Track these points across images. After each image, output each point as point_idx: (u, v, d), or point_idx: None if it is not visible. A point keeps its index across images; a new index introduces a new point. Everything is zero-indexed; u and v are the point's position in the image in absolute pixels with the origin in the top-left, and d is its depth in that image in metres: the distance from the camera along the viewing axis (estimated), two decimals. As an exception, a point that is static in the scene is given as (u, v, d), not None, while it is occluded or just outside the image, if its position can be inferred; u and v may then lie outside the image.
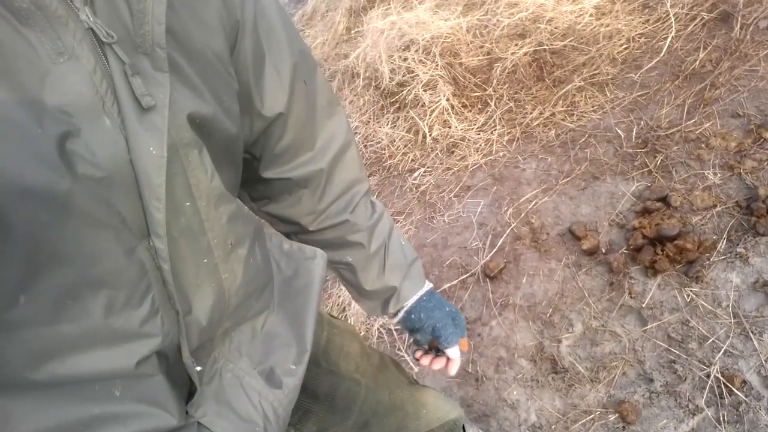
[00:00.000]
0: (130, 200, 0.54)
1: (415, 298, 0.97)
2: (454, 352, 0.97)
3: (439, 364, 1.00)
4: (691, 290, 1.69)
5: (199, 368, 0.68)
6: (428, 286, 1.00)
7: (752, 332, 1.55)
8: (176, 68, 0.57)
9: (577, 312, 1.82)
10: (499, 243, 2.11)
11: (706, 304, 1.65)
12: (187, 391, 0.71)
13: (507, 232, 2.14)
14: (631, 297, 1.77)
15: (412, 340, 1.03)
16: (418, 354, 1.03)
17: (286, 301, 0.81)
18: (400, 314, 0.98)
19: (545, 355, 1.78)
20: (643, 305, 1.73)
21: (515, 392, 1.74)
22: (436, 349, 1.02)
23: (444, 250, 2.22)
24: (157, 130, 0.53)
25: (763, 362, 1.49)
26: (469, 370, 1.84)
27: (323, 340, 0.97)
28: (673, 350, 1.61)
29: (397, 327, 1.04)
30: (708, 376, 1.52)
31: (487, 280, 2.04)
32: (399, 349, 1.99)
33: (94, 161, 0.50)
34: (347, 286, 0.98)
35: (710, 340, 1.58)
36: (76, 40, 0.49)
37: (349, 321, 2.10)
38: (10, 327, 0.52)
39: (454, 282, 2.09)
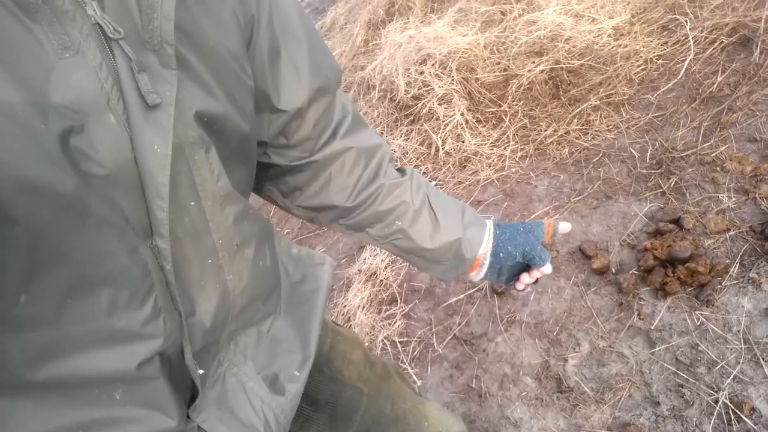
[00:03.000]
0: (133, 199, 0.54)
1: (487, 237, 0.93)
2: (548, 267, 0.94)
3: (535, 275, 0.96)
4: (701, 314, 1.67)
5: (201, 371, 0.67)
6: (489, 220, 0.96)
7: (763, 359, 1.52)
8: (185, 65, 0.56)
9: (585, 331, 1.80)
10: (509, 259, 2.10)
11: (716, 329, 1.63)
12: (189, 394, 0.70)
13: (517, 248, 2.12)
14: (640, 318, 1.75)
15: (501, 282, 0.99)
16: (520, 285, 0.98)
17: (292, 307, 0.80)
18: (486, 261, 0.93)
19: (551, 374, 1.76)
20: (652, 327, 1.71)
21: (519, 410, 1.72)
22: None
23: (453, 263, 2.21)
24: (163, 128, 0.52)
25: (773, 390, 1.46)
26: (473, 386, 1.83)
27: (327, 347, 0.96)
28: (681, 374, 1.59)
29: (482, 281, 0.99)
30: (716, 401, 1.49)
31: (495, 295, 2.03)
32: (402, 361, 1.98)
33: (97, 158, 0.50)
34: (411, 259, 0.94)
35: (719, 365, 1.56)
36: (82, 35, 0.49)
37: (354, 331, 2.09)
38: (11, 326, 0.51)
39: (461, 296, 2.08)
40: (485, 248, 0.92)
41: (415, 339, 2.04)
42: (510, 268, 0.95)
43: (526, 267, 0.96)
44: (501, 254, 0.92)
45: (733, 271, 1.71)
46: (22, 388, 0.54)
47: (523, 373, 1.80)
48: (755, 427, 1.42)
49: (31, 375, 0.53)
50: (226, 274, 0.64)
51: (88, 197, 0.50)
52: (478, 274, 0.96)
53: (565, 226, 0.97)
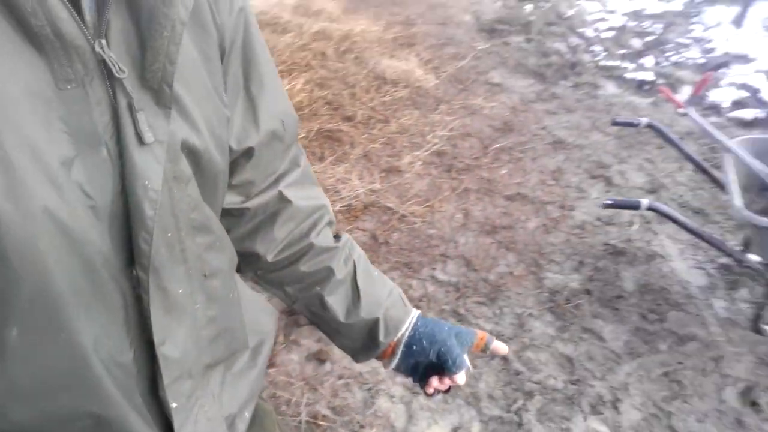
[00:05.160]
0: (118, 230, 0.55)
1: (407, 325, 0.88)
2: (461, 377, 0.86)
3: (447, 384, 0.88)
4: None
5: (174, 404, 0.66)
6: (416, 311, 0.91)
7: None
8: (178, 101, 0.57)
9: None
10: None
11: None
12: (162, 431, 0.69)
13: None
14: None
15: (414, 380, 0.91)
16: (430, 389, 0.89)
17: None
18: (399, 351, 0.88)
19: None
20: None
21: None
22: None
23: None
24: (155, 165, 0.54)
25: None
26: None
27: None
28: None
29: (395, 371, 0.91)
30: None
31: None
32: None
33: (87, 189, 0.51)
34: (324, 328, 0.89)
35: None
36: (86, 70, 0.50)
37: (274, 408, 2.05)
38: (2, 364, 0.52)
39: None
40: (401, 337, 0.88)
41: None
42: (425, 367, 0.88)
43: (442, 370, 0.88)
44: (414, 347, 0.87)
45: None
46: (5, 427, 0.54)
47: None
48: None
49: (12, 414, 0.54)
50: (194, 304, 0.65)
51: (74, 225, 0.51)
52: (389, 363, 0.90)
53: (500, 346, 0.91)
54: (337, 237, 0.88)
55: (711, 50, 5.04)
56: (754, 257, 2.30)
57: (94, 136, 0.51)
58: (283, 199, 0.79)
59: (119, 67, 0.51)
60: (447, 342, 0.85)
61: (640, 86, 4.60)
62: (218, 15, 0.63)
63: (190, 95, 0.59)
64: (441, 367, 0.86)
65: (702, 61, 4.91)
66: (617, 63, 4.90)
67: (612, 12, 6.04)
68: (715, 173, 2.57)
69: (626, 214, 3.07)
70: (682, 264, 2.73)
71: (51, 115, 0.48)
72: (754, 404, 2.05)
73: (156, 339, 0.60)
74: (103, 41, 0.50)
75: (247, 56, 0.69)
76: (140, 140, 0.53)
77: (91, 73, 0.50)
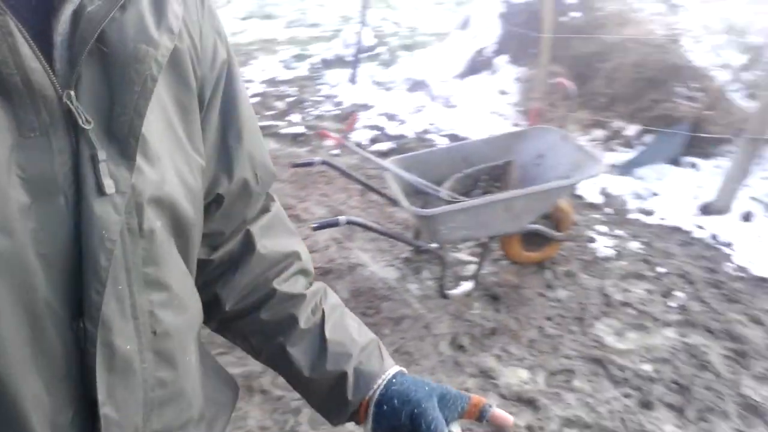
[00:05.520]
0: (68, 280, 0.52)
1: (381, 380, 0.76)
2: None
3: None
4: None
5: None
6: (397, 367, 0.79)
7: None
8: (145, 152, 0.56)
9: None
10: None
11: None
12: None
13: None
14: None
15: None
16: None
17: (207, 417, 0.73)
18: (371, 411, 0.76)
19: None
20: None
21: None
22: None
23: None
24: (114, 215, 0.52)
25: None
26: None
27: None
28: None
29: None
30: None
31: None
32: None
33: (40, 236, 0.49)
34: (295, 385, 0.81)
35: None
36: (51, 120, 0.49)
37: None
38: None
39: None
40: (372, 394, 0.76)
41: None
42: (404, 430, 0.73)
43: None
44: (385, 407, 0.74)
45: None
46: None
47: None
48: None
49: None
50: (142, 363, 0.60)
51: (25, 274, 0.48)
52: (365, 426, 0.78)
53: (502, 416, 0.74)
54: (310, 285, 0.82)
55: (340, 103, 6.06)
56: (425, 243, 2.95)
57: (53, 185, 0.50)
58: (248, 246, 0.77)
59: (85, 118, 0.51)
60: (423, 403, 0.72)
61: (295, 138, 5.25)
62: (199, 67, 0.64)
63: (159, 145, 0.58)
64: None
65: (336, 112, 5.86)
66: (270, 123, 5.49)
67: (251, 81, 6.72)
68: (382, 190, 3.20)
69: (322, 240, 3.50)
70: (377, 266, 3.27)
71: (11, 162, 0.47)
72: (460, 347, 2.63)
73: (99, 397, 0.55)
74: (72, 92, 0.50)
75: (227, 108, 0.69)
76: (100, 191, 0.51)
77: (57, 123, 0.50)
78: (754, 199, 3.92)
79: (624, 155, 4.58)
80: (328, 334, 0.78)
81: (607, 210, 3.98)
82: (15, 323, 0.49)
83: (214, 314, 0.78)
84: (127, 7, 0.54)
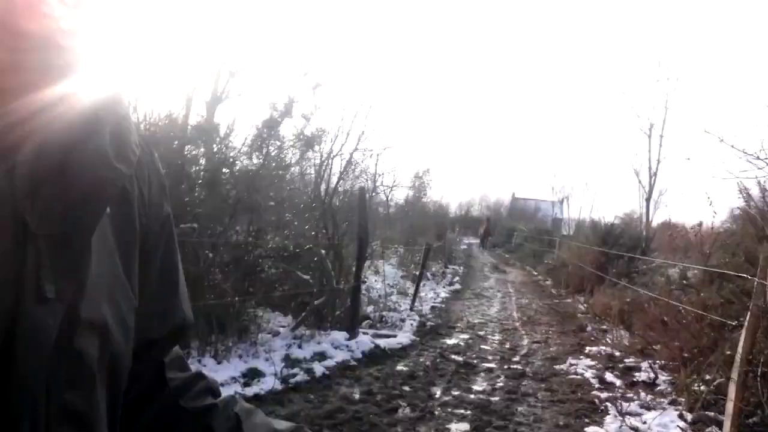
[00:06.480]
0: None
1: None
2: None
3: None
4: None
5: None
6: None
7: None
8: (87, 276, 0.54)
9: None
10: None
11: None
12: None
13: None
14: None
15: None
16: None
17: None
18: None
19: None
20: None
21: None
22: None
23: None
24: (49, 326, 0.49)
25: None
26: None
27: None
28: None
29: None
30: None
31: None
32: None
33: None
34: None
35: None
36: (2, 226, 0.48)
37: None
38: None
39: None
40: None
41: None
42: None
43: None
44: None
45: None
46: None
47: None
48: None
49: None
50: None
51: None
52: None
53: None
54: (218, 399, 0.80)
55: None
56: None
57: None
58: (160, 381, 0.75)
59: (37, 223, 0.49)
60: None
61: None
62: (145, 216, 0.65)
63: (100, 271, 0.56)
64: None
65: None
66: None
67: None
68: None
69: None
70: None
71: None
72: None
73: None
74: (27, 201, 0.49)
75: (166, 261, 0.70)
76: (41, 296, 0.49)
77: (5, 227, 0.48)
78: None
79: None
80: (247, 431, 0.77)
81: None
82: None
83: None
84: (91, 138, 0.55)
